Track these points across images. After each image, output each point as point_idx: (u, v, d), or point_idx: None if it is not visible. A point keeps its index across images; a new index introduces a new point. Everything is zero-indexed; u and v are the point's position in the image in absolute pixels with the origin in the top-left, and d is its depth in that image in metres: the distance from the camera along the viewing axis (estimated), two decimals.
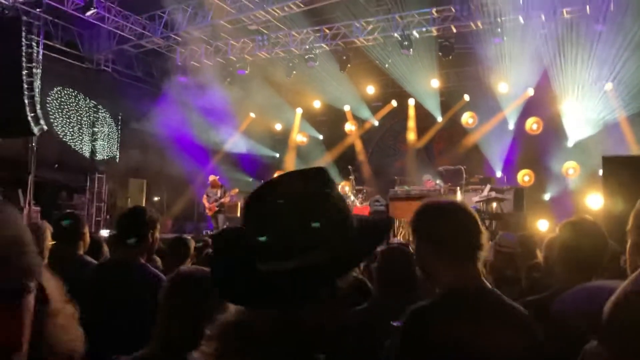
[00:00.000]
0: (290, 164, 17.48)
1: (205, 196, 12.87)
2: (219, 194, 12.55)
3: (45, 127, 11.80)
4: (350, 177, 13.09)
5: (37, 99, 11.67)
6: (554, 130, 13.74)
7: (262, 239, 1.00)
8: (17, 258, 0.72)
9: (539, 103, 13.91)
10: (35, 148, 12.00)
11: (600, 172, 8.90)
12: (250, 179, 16.99)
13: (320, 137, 18.10)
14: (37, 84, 11.75)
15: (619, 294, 0.94)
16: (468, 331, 1.67)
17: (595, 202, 10.89)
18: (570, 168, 13.67)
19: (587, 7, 11.48)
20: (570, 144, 13.59)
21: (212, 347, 1.00)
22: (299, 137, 17.93)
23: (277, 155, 18.35)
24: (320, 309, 1.01)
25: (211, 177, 13.01)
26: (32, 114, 11.37)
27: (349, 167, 13.43)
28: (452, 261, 1.79)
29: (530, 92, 14.10)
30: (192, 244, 4.36)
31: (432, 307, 1.82)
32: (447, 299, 1.80)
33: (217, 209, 12.47)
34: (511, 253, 4.11)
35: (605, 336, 0.95)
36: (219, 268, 1.08)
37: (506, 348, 1.65)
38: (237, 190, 12.93)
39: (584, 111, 12.96)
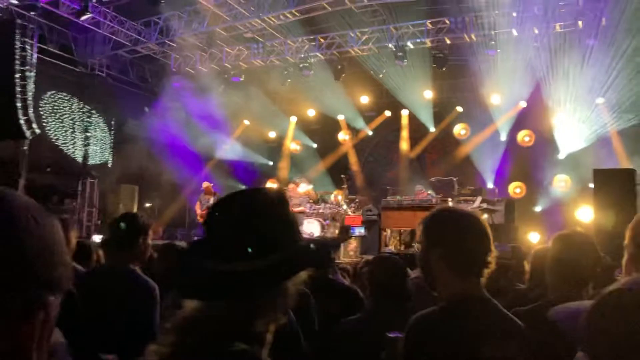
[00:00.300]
0: (284, 172, 17.48)
1: (198, 202, 12.83)
2: (211, 202, 12.50)
3: (37, 131, 11.76)
4: (343, 186, 13.09)
5: (30, 102, 11.63)
6: (545, 142, 13.82)
7: (219, 244, 1.15)
8: (39, 269, 0.71)
9: (531, 115, 13.99)
10: (27, 151, 11.94)
11: (591, 184, 8.95)
12: (243, 187, 16.96)
13: (314, 145, 18.12)
14: (31, 87, 11.72)
15: (599, 295, 0.94)
16: (469, 341, 1.68)
17: (586, 214, 10.96)
18: (561, 181, 13.74)
19: (580, 22, 11.61)
20: (561, 156, 13.68)
21: (169, 340, 1.10)
22: (292, 146, 17.95)
23: (271, 163, 18.35)
24: (267, 307, 1.15)
25: (205, 184, 12.97)
26: (25, 117, 11.33)
27: (342, 176, 13.43)
28: (458, 271, 1.78)
29: (523, 104, 14.19)
30: None
31: (434, 315, 1.82)
32: (449, 308, 1.80)
33: None
34: (505, 264, 4.14)
35: (586, 339, 0.95)
36: (179, 268, 1.22)
37: (506, 358, 1.66)
38: None
39: (576, 124, 13.05)
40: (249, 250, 1.12)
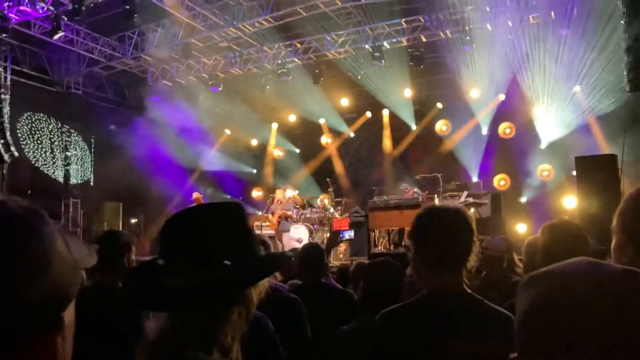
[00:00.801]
0: (269, 179, 17.43)
1: None
2: None
3: (16, 154, 11.60)
4: (329, 189, 13.08)
5: (7, 125, 11.47)
6: (526, 133, 13.95)
7: (177, 257, 1.17)
8: (38, 275, 0.67)
9: (511, 107, 14.12)
10: (6, 175, 11.76)
11: (574, 172, 9.03)
12: (228, 196, 16.89)
13: (297, 150, 18.10)
14: (6, 110, 11.56)
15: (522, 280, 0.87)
16: (436, 334, 1.69)
17: (571, 202, 11.06)
18: (544, 170, 13.86)
19: (552, 12, 11.75)
20: (543, 146, 13.81)
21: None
22: (275, 152, 17.90)
23: (255, 171, 18.29)
24: (230, 317, 1.18)
25: (195, 195, 12.88)
26: (2, 141, 11.17)
27: (327, 179, 13.43)
28: (429, 266, 1.83)
29: (502, 97, 14.31)
30: None
31: (402, 309, 1.86)
32: (418, 302, 1.83)
33: None
34: (499, 257, 4.13)
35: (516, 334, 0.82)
36: (136, 284, 1.23)
37: (480, 352, 1.64)
38: None
39: (555, 113, 13.20)
40: (207, 261, 1.14)
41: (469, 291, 1.83)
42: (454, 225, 1.84)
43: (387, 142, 16.61)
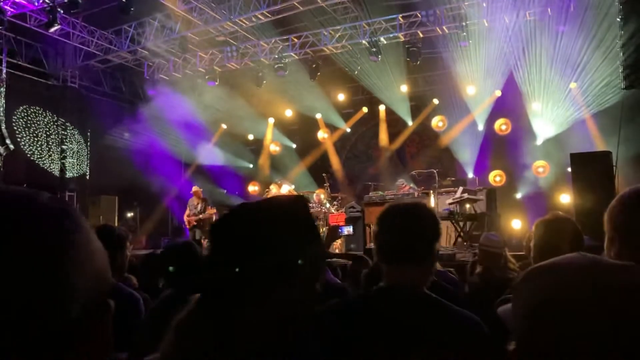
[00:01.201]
0: (264, 174, 17.41)
1: (188, 208, 12.74)
2: (199, 208, 12.35)
3: (11, 147, 11.56)
4: (325, 184, 13.08)
5: (2, 118, 11.43)
6: (522, 129, 13.96)
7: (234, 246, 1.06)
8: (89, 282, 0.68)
9: (507, 104, 14.12)
10: (1, 168, 11.73)
11: (569, 168, 9.07)
12: (224, 191, 16.87)
13: (294, 146, 18.07)
14: (2, 103, 11.51)
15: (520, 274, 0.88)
16: (372, 335, 1.64)
17: (566, 198, 11.09)
18: (540, 166, 13.89)
19: (549, 9, 11.76)
20: (539, 142, 13.83)
21: (167, 344, 1.05)
22: (272, 147, 17.89)
23: (251, 165, 18.27)
24: (277, 306, 1.07)
25: (194, 188, 12.84)
26: None
27: (324, 174, 13.41)
28: (382, 262, 1.79)
29: (498, 93, 14.31)
30: None
31: (340, 305, 1.83)
32: (360, 298, 1.82)
33: (195, 223, 12.30)
34: (497, 253, 4.13)
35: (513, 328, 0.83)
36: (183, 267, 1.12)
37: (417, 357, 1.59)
38: (214, 210, 12.55)
39: (551, 110, 13.22)
40: (269, 251, 1.05)
41: (425, 291, 1.73)
42: (407, 219, 1.76)
43: (383, 138, 16.61)
